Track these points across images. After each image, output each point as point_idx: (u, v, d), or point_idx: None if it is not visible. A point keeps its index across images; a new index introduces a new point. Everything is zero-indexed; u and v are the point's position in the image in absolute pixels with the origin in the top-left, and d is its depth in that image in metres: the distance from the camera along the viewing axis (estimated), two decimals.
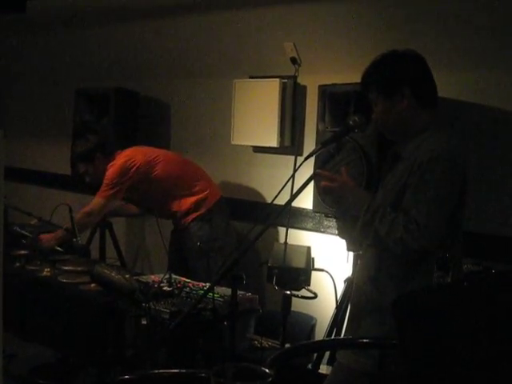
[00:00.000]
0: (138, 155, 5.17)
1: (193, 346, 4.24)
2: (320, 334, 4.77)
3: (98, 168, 5.13)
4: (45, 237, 4.98)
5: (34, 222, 5.29)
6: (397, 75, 2.85)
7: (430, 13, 4.22)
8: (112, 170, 5.05)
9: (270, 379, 1.35)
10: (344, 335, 3.56)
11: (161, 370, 1.93)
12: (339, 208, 2.94)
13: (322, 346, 3.33)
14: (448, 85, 4.00)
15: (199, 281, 4.26)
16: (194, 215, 5.15)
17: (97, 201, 5.05)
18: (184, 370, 1.83)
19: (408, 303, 1.46)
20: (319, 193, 3.05)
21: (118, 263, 5.72)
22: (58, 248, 5.12)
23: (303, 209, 4.96)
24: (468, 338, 1.36)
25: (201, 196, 5.18)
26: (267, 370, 1.38)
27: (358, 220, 2.75)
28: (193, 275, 4.70)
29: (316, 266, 4.42)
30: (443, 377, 1.39)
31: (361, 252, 3.07)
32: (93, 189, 5.80)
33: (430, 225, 2.61)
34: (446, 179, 2.68)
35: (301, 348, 2.60)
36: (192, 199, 5.16)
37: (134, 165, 5.09)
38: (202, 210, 5.15)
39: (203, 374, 1.74)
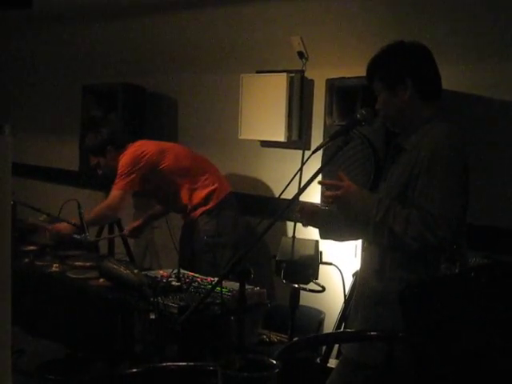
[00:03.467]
0: (149, 145, 5.20)
1: (201, 341, 4.24)
2: (329, 328, 4.76)
3: (110, 161, 5.11)
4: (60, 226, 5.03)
5: (42, 217, 5.30)
6: (400, 66, 2.85)
7: (438, 6, 4.21)
8: (124, 159, 5.06)
9: (277, 370, 1.35)
10: (348, 328, 3.56)
11: (169, 363, 1.93)
12: (348, 214, 2.90)
13: (329, 339, 3.33)
14: (453, 77, 3.99)
15: (205, 275, 4.27)
16: (202, 209, 5.15)
17: (114, 193, 5.03)
18: (192, 363, 1.83)
19: (415, 293, 1.45)
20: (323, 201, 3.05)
21: (127, 258, 5.73)
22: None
23: (311, 203, 4.96)
24: (474, 327, 1.36)
25: (210, 190, 5.17)
26: (274, 362, 1.38)
27: (367, 223, 2.72)
28: (198, 269, 4.71)
29: (324, 260, 4.42)
30: (448, 366, 1.38)
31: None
32: (102, 183, 5.83)
33: (447, 217, 2.59)
34: (450, 170, 2.67)
35: (308, 341, 2.60)
36: (202, 193, 5.15)
37: (146, 153, 5.10)
38: (211, 205, 5.15)
39: (211, 367, 1.75)
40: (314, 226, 3.20)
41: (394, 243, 2.68)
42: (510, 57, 4.09)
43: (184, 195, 5.16)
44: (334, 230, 3.20)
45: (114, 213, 5.17)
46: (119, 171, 5.02)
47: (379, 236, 2.71)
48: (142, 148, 5.13)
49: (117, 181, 5.03)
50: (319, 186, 4.37)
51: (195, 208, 5.16)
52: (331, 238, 3.41)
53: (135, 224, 5.56)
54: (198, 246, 5.16)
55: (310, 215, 3.09)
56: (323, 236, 3.32)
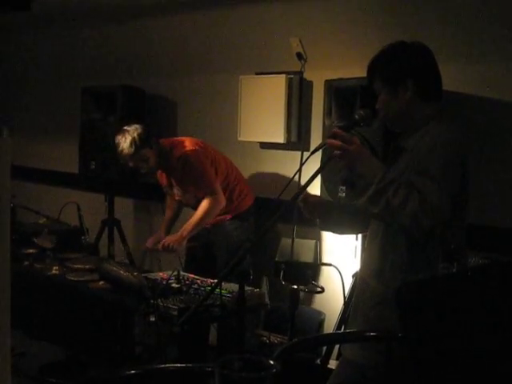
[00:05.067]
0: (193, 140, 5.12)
1: (201, 343, 4.24)
2: (329, 329, 4.76)
3: (157, 153, 4.94)
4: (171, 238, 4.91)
5: (42, 220, 5.30)
6: (402, 67, 2.84)
7: (437, 6, 4.21)
8: (194, 162, 4.89)
9: (275, 370, 1.35)
10: (348, 329, 3.55)
11: (167, 365, 1.93)
12: (351, 173, 2.85)
13: (329, 339, 3.32)
14: (453, 77, 4.00)
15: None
16: (233, 214, 5.10)
17: (213, 198, 4.87)
18: (190, 364, 1.83)
19: (411, 291, 1.45)
20: (328, 159, 2.97)
21: (127, 261, 5.73)
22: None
23: (314, 194, 4.93)
24: (471, 326, 1.36)
25: (242, 195, 5.14)
26: (272, 362, 1.38)
27: (367, 188, 2.67)
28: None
29: (323, 261, 4.43)
30: (445, 364, 1.38)
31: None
32: (100, 184, 5.80)
33: (441, 209, 2.59)
34: (447, 169, 2.66)
35: (308, 341, 2.59)
36: (237, 198, 5.10)
37: (202, 145, 5.03)
38: (241, 210, 5.10)
39: (209, 368, 1.75)
40: (316, 216, 3.18)
41: (387, 215, 2.65)
42: (510, 57, 4.09)
43: (227, 196, 5.04)
44: (334, 222, 3.18)
45: (222, 206, 4.95)
46: (202, 177, 4.88)
47: (374, 204, 2.67)
48: (193, 143, 5.02)
49: (208, 186, 4.88)
50: (318, 187, 4.38)
51: (227, 212, 5.08)
52: (331, 230, 3.39)
53: (158, 238, 5.24)
54: (223, 249, 5.06)
55: (312, 206, 3.07)
56: (323, 227, 3.30)
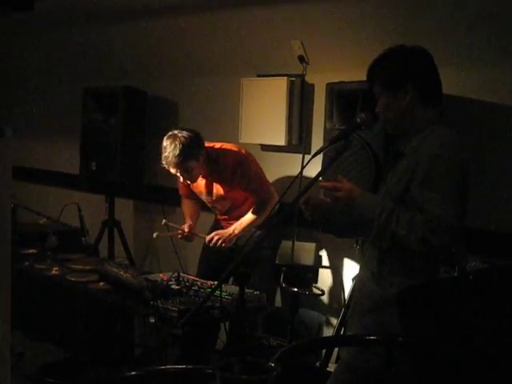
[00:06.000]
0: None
1: (201, 344, 4.23)
2: (329, 332, 4.76)
3: (203, 164, 4.66)
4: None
5: (42, 221, 5.30)
6: (402, 71, 2.84)
7: (438, 10, 4.21)
8: (251, 165, 4.73)
9: (275, 373, 1.35)
10: (347, 332, 3.56)
11: (167, 366, 1.93)
12: (349, 216, 2.88)
13: (328, 342, 3.33)
14: (454, 81, 4.00)
15: (258, 287, 4.04)
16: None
17: (271, 199, 4.68)
18: (190, 366, 1.83)
19: (412, 295, 1.45)
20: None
21: (127, 262, 5.73)
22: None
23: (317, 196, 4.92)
24: (472, 330, 1.36)
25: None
26: (273, 365, 1.38)
27: (370, 226, 2.70)
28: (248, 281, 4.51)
29: (324, 264, 4.42)
30: (445, 368, 1.38)
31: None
32: (101, 185, 5.77)
33: (448, 221, 2.59)
34: (449, 176, 2.66)
35: (307, 344, 2.59)
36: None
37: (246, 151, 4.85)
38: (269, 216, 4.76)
39: (210, 370, 1.75)
40: (318, 219, 3.18)
41: (396, 245, 2.67)
42: (510, 61, 4.09)
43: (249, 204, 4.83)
44: (336, 225, 3.19)
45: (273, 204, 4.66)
46: (252, 181, 4.69)
47: (380, 238, 2.70)
48: (235, 149, 4.81)
49: (259, 188, 4.70)
50: (319, 190, 4.37)
51: None
52: (332, 232, 3.39)
53: (192, 226, 4.91)
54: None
55: (314, 208, 3.07)
56: (325, 230, 3.30)
